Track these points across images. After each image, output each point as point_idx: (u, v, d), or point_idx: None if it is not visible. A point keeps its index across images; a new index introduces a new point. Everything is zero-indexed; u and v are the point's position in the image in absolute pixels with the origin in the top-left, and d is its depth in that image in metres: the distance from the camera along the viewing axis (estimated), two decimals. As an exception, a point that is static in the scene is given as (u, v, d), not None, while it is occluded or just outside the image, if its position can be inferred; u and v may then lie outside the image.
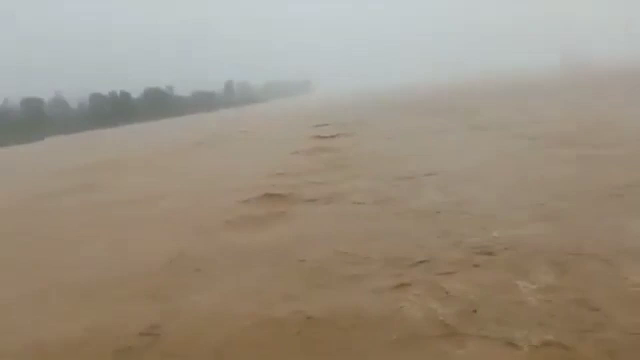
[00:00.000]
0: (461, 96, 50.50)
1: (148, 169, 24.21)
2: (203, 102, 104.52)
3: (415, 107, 42.98)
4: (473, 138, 21.01)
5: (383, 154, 19.49)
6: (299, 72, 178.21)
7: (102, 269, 9.26)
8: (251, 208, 12.64)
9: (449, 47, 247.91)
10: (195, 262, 8.90)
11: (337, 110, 51.61)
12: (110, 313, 7.17)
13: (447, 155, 17.55)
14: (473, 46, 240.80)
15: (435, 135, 23.54)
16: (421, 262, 7.65)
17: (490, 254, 7.57)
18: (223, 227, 11.18)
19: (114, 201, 16.43)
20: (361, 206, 11.82)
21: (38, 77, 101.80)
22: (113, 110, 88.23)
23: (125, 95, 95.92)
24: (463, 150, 18.33)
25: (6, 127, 70.14)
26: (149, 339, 6.34)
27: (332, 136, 27.16)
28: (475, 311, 5.86)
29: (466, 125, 24.69)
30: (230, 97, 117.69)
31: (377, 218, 10.57)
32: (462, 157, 16.65)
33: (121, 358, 5.82)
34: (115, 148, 40.06)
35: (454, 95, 53.69)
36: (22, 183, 25.71)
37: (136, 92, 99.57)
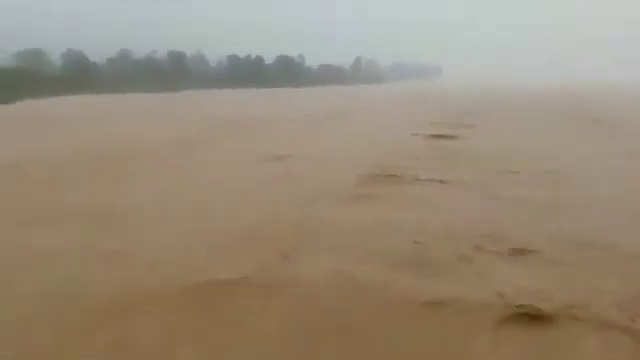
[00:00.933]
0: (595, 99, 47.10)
1: (275, 131, 25.83)
2: (330, 75, 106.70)
3: (545, 107, 40.66)
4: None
5: (504, 148, 19.04)
6: (433, 56, 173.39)
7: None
8: (363, 184, 12.97)
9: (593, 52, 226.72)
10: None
11: (464, 99, 50.24)
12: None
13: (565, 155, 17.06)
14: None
15: (560, 134, 22.53)
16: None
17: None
18: (335, 199, 11.59)
19: (233, 156, 18.12)
20: (467, 193, 12.11)
21: (183, 33, 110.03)
22: (247, 72, 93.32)
23: (259, 59, 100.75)
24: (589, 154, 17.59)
25: (153, 76, 77.36)
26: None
27: (453, 124, 26.87)
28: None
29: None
30: (357, 73, 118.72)
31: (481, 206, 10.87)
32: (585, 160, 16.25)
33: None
34: (248, 108, 42.86)
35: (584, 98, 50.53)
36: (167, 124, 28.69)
37: (269, 59, 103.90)
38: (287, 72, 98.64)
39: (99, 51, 78.35)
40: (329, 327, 5.94)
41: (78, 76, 67.78)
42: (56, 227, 9.61)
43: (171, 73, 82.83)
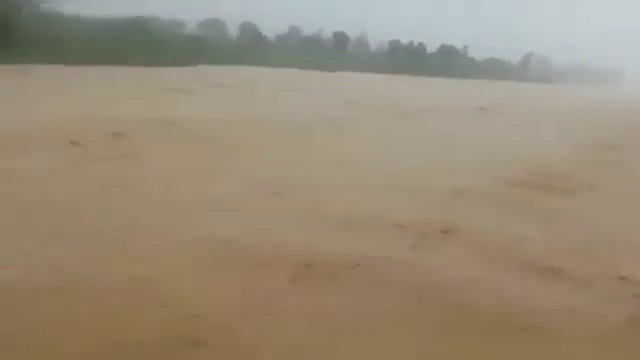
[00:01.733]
0: None
1: (425, 121, 24.75)
2: (495, 70, 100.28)
3: None
4: None
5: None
6: (615, 59, 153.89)
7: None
8: (503, 189, 11.92)
9: None
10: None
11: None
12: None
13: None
14: None
15: None
16: None
17: None
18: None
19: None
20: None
21: (351, 14, 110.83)
22: (407, 59, 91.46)
23: (421, 47, 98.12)
24: None
25: (318, 54, 79.37)
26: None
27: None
28: None
29: None
30: (525, 71, 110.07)
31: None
32: None
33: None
34: (406, 94, 41.60)
35: None
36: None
37: (431, 47, 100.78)
38: (449, 62, 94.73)
39: (271, 26, 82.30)
40: None
41: (250, 48, 71.88)
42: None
43: (333, 53, 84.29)
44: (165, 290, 5.52)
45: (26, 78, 29.67)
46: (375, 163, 13.59)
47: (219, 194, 9.39)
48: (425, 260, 6.93)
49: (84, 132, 13.93)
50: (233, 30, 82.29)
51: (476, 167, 13.70)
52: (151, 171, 11.19)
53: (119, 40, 51.18)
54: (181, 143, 13.79)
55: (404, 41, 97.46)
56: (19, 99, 20.17)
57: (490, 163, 14.38)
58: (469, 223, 8.73)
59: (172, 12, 77.87)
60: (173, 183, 10.05)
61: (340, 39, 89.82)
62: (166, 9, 74.71)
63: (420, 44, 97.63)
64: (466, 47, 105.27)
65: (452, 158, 14.95)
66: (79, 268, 5.94)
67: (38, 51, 39.43)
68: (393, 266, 6.60)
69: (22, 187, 9.07)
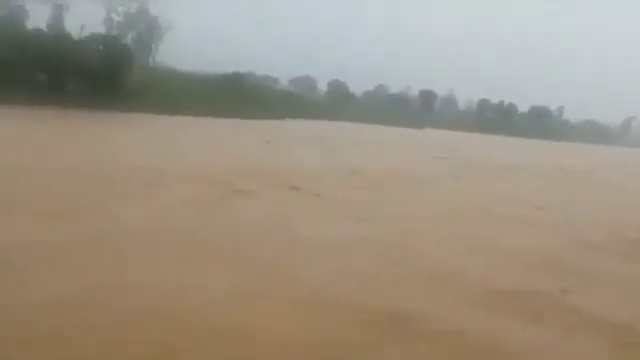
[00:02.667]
0: None
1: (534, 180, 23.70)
2: (592, 133, 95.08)
3: None
4: None
5: None
6: None
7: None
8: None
9: None
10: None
11: None
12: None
13: None
14: None
15: None
16: None
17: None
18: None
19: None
20: None
21: (438, 72, 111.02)
22: (497, 119, 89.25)
23: (512, 107, 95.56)
24: None
25: (404, 111, 79.64)
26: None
27: None
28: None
29: None
30: (626, 135, 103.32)
31: None
32: None
33: None
34: (498, 154, 40.00)
35: None
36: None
37: (522, 106, 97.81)
38: (541, 123, 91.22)
39: (359, 83, 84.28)
40: None
41: (338, 104, 73.63)
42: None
43: (419, 110, 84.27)
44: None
45: (140, 126, 31.90)
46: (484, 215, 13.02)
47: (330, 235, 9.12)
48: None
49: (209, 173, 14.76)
50: (322, 87, 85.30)
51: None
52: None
53: (217, 93, 54.32)
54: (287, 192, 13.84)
55: (494, 100, 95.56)
56: (136, 144, 21.68)
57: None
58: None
59: (267, 69, 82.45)
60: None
61: (427, 97, 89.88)
62: (261, 66, 79.23)
63: (510, 104, 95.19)
64: (561, 108, 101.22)
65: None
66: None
67: (144, 101, 42.62)
68: None
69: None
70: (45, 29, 46.06)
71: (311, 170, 18.24)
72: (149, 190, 12.46)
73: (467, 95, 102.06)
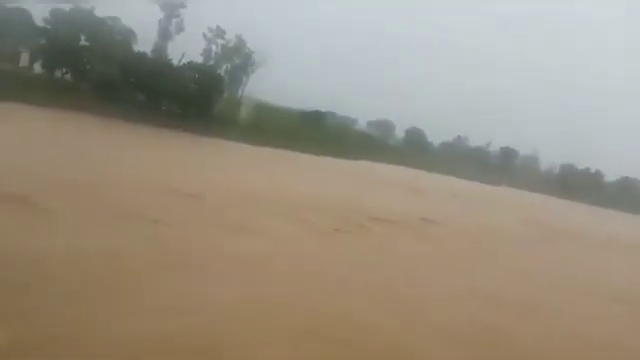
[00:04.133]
0: None
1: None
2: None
3: None
4: None
5: None
6: None
7: None
8: None
9: None
10: None
11: None
12: None
13: None
14: None
15: None
16: None
17: None
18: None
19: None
20: None
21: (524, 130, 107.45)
22: (580, 186, 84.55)
23: (598, 175, 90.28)
24: None
25: (481, 166, 77.52)
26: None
27: None
28: None
29: None
30: None
31: None
32: None
33: None
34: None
35: None
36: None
37: (611, 174, 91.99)
38: (631, 195, 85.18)
39: (438, 133, 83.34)
40: None
41: (414, 151, 73.06)
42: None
43: (498, 167, 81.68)
44: None
45: (230, 152, 33.30)
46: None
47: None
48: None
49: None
50: (400, 132, 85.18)
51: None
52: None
53: (298, 128, 55.76)
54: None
55: (580, 166, 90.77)
56: (224, 170, 22.72)
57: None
58: None
59: (347, 109, 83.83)
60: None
61: (508, 154, 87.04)
62: (342, 106, 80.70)
63: (597, 171, 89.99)
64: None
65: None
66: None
67: (229, 129, 44.56)
68: None
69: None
70: (150, 53, 49.71)
71: (395, 214, 18.06)
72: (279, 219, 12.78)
73: (550, 157, 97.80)
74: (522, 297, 11.01)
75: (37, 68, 44.26)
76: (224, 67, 63.53)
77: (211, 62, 60.97)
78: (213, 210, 12.92)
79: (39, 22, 43.63)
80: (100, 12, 45.44)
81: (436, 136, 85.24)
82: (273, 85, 66.03)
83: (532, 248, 18.24)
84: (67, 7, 43.52)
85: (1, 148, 15.14)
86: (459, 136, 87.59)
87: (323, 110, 68.00)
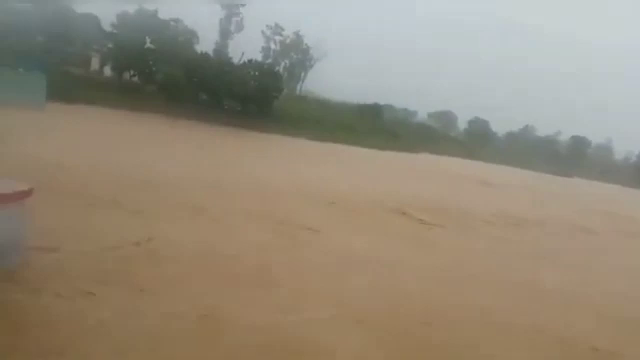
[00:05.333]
0: None
1: None
2: None
3: None
4: None
5: None
6: None
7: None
8: None
9: None
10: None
11: None
12: None
13: None
14: None
15: None
16: None
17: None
18: None
19: None
20: None
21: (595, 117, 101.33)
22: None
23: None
24: None
25: (550, 156, 73.84)
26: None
27: None
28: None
29: None
30: None
31: None
32: None
33: None
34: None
35: None
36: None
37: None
38: None
39: (504, 123, 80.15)
40: None
41: (478, 143, 70.57)
42: None
43: (568, 157, 77.48)
44: None
45: (294, 149, 33.30)
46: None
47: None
48: None
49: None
50: (462, 123, 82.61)
51: None
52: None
53: (357, 123, 55.19)
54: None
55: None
56: (285, 165, 22.66)
57: None
58: None
59: (406, 102, 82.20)
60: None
61: (579, 143, 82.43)
62: (401, 99, 79.20)
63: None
64: None
65: None
66: None
67: (289, 125, 44.72)
68: None
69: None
70: (211, 54, 50.67)
71: (469, 209, 17.25)
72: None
73: (626, 146, 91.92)
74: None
75: (107, 71, 46.24)
76: (283, 63, 63.90)
77: (270, 59, 61.43)
78: (343, 212, 12.96)
79: (107, 27, 45.50)
80: (163, 14, 46.73)
81: (501, 126, 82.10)
82: (331, 79, 65.77)
83: (623, 243, 16.87)
84: (132, 11, 45.01)
85: (84, 150, 15.61)
86: (527, 126, 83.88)
87: (381, 103, 67.06)
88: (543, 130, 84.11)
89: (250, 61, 48.64)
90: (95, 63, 46.78)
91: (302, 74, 66.97)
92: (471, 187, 26.73)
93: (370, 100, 64.86)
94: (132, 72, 45.26)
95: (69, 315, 5.13)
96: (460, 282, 8.56)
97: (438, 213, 14.90)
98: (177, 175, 13.76)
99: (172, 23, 48.00)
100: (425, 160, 46.14)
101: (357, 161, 32.48)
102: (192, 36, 50.31)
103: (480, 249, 11.64)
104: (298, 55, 64.37)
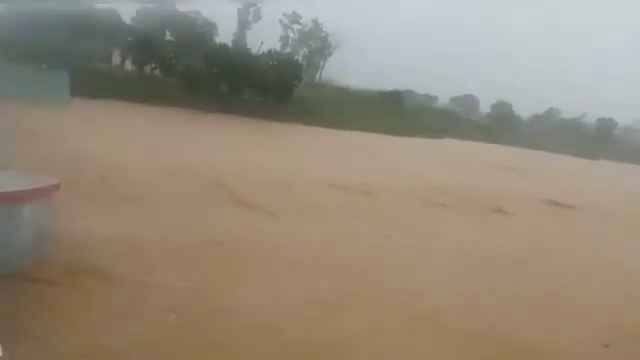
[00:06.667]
0: None
1: None
2: None
3: None
4: None
5: None
6: None
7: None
8: None
9: None
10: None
11: None
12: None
13: None
14: None
15: None
16: None
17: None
18: None
19: None
20: None
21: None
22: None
23: None
24: None
25: (576, 139, 72.16)
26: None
27: None
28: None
29: None
30: None
31: None
32: None
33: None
34: None
35: None
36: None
37: None
38: None
39: (527, 106, 78.49)
40: None
41: (501, 126, 69.32)
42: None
43: (594, 139, 75.61)
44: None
45: (317, 137, 33.31)
46: None
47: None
48: None
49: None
50: (485, 107, 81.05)
51: None
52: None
53: (378, 109, 54.75)
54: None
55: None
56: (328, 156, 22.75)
57: None
58: None
59: (427, 87, 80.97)
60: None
61: (606, 125, 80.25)
62: (421, 84, 78.05)
63: None
64: None
65: None
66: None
67: (310, 114, 44.58)
68: None
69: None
70: (230, 44, 50.65)
71: (508, 196, 17.17)
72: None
73: None
74: None
75: (127, 65, 46.61)
76: (301, 52, 63.61)
77: (288, 48, 61.20)
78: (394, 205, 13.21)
79: (127, 21, 45.85)
80: (181, 6, 46.89)
81: (525, 109, 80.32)
82: (351, 65, 65.16)
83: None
84: (152, 4, 45.29)
85: (132, 147, 15.85)
86: (551, 108, 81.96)
87: (401, 89, 66.17)
88: (568, 113, 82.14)
89: (269, 51, 48.46)
90: (116, 57, 47.20)
91: (321, 62, 66.55)
92: (500, 172, 26.33)
93: (390, 86, 64.16)
94: (153, 65, 45.54)
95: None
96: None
97: (484, 201, 15.00)
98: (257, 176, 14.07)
99: (191, 15, 48.12)
100: (449, 146, 45.55)
101: (384, 150, 32.13)
102: (211, 28, 50.41)
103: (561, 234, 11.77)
104: (317, 43, 63.93)
